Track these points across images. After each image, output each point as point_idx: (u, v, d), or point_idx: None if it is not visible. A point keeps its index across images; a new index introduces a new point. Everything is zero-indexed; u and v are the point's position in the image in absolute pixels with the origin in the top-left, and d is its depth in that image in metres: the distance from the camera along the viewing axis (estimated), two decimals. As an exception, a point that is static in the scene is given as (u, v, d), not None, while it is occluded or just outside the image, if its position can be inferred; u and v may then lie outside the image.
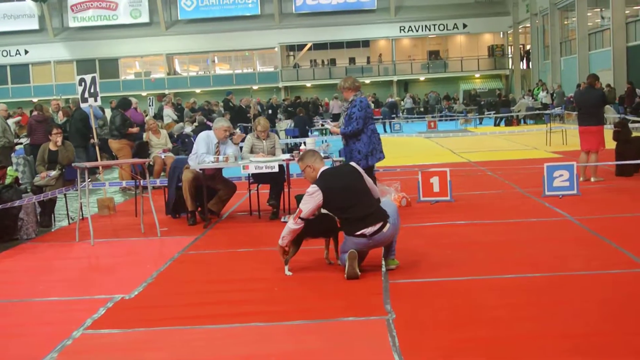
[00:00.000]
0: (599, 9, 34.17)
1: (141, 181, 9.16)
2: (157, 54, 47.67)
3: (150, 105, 22.66)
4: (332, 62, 47.85)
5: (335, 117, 25.98)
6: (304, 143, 8.87)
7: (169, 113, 19.94)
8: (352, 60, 47.74)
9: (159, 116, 19.95)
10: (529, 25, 42.59)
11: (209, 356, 4.25)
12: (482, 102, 35.95)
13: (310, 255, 6.40)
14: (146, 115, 18.13)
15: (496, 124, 29.33)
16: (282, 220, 8.37)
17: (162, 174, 12.25)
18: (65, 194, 9.32)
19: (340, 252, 5.94)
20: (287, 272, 5.93)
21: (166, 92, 36.90)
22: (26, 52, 47.52)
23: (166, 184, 9.62)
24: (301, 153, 6.46)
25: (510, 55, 46.83)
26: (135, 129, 12.66)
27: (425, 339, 4.28)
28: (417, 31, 46.68)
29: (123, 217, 9.84)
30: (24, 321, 5.14)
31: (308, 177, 6.10)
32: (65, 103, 18.91)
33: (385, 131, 28.40)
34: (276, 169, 8.50)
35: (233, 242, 7.61)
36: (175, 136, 16.13)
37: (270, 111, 24.64)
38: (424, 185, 9.55)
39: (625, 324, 4.40)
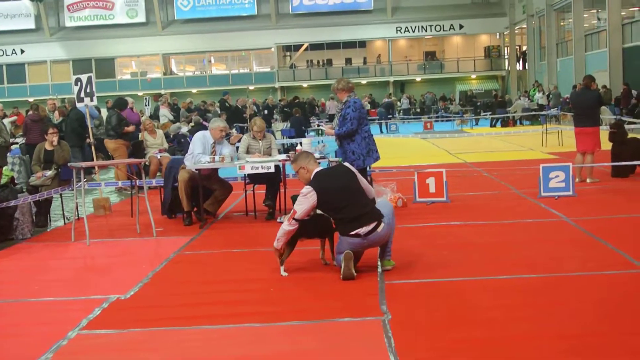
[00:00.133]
0: (595, 10, 34.23)
1: (137, 181, 9.15)
2: (153, 53, 47.64)
3: (146, 105, 22.65)
4: (329, 62, 47.92)
5: (332, 118, 25.96)
6: (300, 143, 8.86)
7: (165, 113, 19.95)
8: (348, 61, 47.79)
9: (155, 116, 19.97)
10: (525, 26, 42.67)
11: (204, 357, 4.24)
12: (479, 103, 36.06)
13: (306, 256, 6.40)
14: (142, 115, 18.10)
15: (492, 125, 29.35)
16: (278, 220, 8.36)
17: (158, 174, 12.24)
18: (61, 194, 9.30)
19: (335, 252, 5.94)
20: (283, 273, 5.93)
21: (162, 92, 36.89)
22: (22, 51, 47.46)
23: (162, 184, 9.59)
24: (295, 154, 6.45)
25: (506, 56, 46.89)
26: (131, 128, 12.64)
27: (420, 340, 4.28)
28: (413, 32, 46.74)
29: (119, 217, 9.83)
30: (19, 321, 5.13)
31: (302, 178, 6.09)
32: (61, 103, 18.87)
33: (381, 132, 28.44)
34: (272, 170, 8.49)
35: (229, 243, 7.60)
36: (172, 136, 16.13)
37: (266, 111, 24.63)
38: (420, 186, 9.56)
39: (621, 325, 4.41)
